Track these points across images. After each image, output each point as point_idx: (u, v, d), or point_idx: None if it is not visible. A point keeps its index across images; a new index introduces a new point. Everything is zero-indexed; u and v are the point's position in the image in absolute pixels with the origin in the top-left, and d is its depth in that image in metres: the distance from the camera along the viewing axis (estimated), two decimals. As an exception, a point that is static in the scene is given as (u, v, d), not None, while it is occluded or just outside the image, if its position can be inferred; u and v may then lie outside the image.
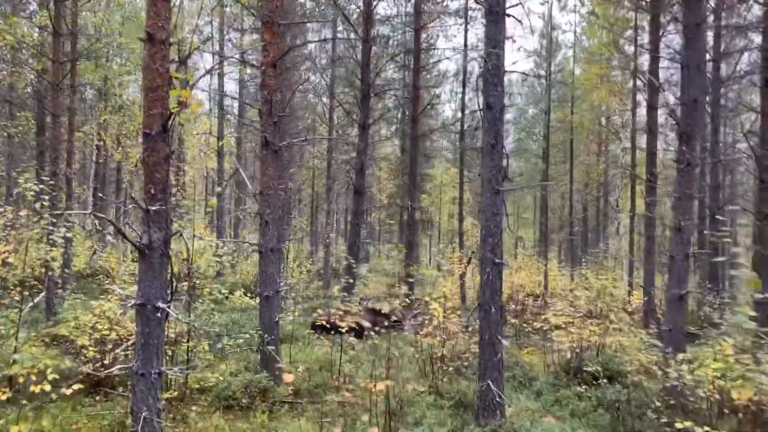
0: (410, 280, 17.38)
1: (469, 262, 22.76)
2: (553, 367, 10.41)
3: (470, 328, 9.36)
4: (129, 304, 5.00)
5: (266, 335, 8.42)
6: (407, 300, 17.16)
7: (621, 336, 10.41)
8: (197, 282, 7.55)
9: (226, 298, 8.50)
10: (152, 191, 5.09)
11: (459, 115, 26.98)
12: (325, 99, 22.97)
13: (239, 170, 8.90)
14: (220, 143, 19.41)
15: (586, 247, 33.73)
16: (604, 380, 9.01)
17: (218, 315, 12.26)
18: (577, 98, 21.25)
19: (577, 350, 9.78)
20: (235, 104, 25.96)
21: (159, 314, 5.06)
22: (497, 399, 6.74)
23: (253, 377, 7.85)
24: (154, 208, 5.03)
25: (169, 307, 5.15)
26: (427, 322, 8.99)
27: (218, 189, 21.70)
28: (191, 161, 30.39)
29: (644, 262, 12.04)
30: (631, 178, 17.76)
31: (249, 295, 14.42)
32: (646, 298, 11.57)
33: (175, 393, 6.83)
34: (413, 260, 17.51)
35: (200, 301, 7.63)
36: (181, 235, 5.15)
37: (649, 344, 9.13)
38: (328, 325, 12.91)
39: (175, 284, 5.23)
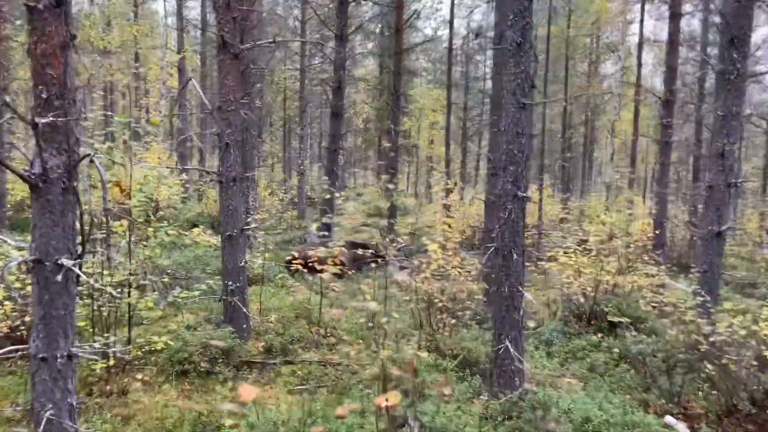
0: (391, 210, 15.98)
1: (449, 193, 21.42)
2: (559, 310, 9.23)
3: (472, 271, 8.06)
4: (15, 262, 3.41)
5: (230, 282, 6.95)
6: (389, 231, 15.82)
7: (637, 275, 9.21)
8: (137, 222, 5.92)
9: (178, 236, 6.94)
10: (44, 95, 3.43)
11: (443, 31, 24.91)
12: (296, 11, 20.63)
13: (191, 81, 7.09)
14: (181, 56, 17.21)
15: (575, 174, 32.55)
16: (627, 328, 7.86)
17: (177, 254, 10.75)
18: (574, 10, 19.35)
19: (590, 292, 8.55)
20: (197, 13, 23.34)
21: (62, 275, 3.52)
22: (517, 364, 5.45)
23: (214, 334, 6.44)
24: (45, 120, 3.39)
25: (79, 265, 3.61)
26: (423, 264, 7.60)
27: (163, 102, 19.46)
28: (152, 81, 27.91)
29: (656, 191, 10.78)
30: (636, 96, 16.24)
31: (214, 231, 12.89)
32: (656, 232, 10.37)
33: (112, 361, 5.39)
34: (396, 190, 16.04)
35: (142, 245, 6.08)
36: (92, 160, 3.53)
37: (675, 288, 7.93)
38: (303, 265, 11.53)
39: (88, 231, 3.66)
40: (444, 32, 24.19)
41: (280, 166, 29.34)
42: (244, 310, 7.01)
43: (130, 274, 5.74)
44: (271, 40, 7.41)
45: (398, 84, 15.33)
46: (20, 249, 4.65)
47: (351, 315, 8.88)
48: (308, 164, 26.52)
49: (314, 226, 13.41)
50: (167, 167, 7.53)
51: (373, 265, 12.92)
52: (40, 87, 3.46)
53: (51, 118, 3.41)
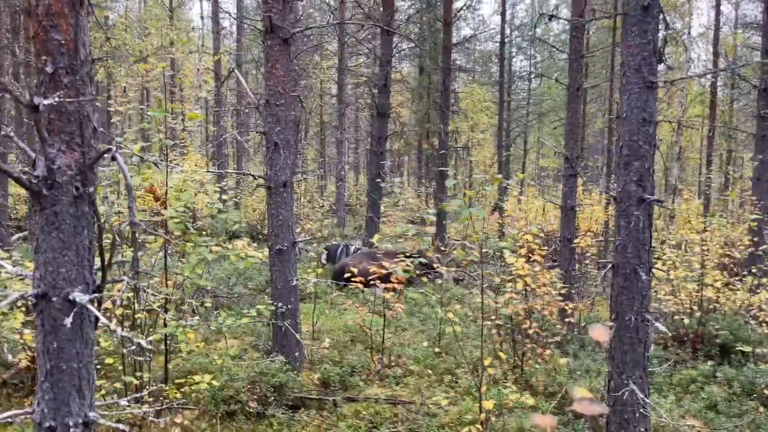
0: (440, 218, 14.89)
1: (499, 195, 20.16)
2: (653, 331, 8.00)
3: (558, 286, 6.92)
4: (11, 297, 2.44)
5: (280, 304, 5.98)
6: (439, 241, 14.75)
7: (741, 290, 7.94)
8: (173, 237, 4.98)
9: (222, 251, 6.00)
10: (48, 68, 2.50)
11: (485, 26, 23.78)
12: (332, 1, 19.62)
13: (235, 71, 6.17)
14: (216, 58, 16.45)
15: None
16: (744, 355, 6.64)
17: (217, 268, 9.87)
18: None
19: (695, 310, 7.31)
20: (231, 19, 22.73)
21: (75, 314, 2.57)
22: (642, 410, 4.34)
23: (264, 366, 5.45)
24: (49, 102, 2.44)
25: (98, 300, 2.66)
26: (509, 283, 6.49)
27: (204, 92, 18.52)
28: (188, 88, 27.41)
29: (755, 192, 9.47)
30: (713, 82, 14.74)
31: (256, 242, 12.00)
32: (754, 239, 9.07)
33: (146, 407, 4.46)
34: (444, 194, 14.95)
35: (180, 262, 5.16)
36: (113, 157, 2.57)
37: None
38: (353, 276, 10.55)
39: (110, 255, 2.70)
40: (491, 24, 23.05)
41: (319, 172, 28.51)
42: (297, 336, 6.02)
43: (166, 299, 4.80)
44: (324, 23, 6.41)
45: (447, 81, 14.27)
46: (22, 278, 3.73)
47: (413, 336, 7.84)
48: (347, 169, 25.62)
49: (357, 242, 12.48)
50: (209, 171, 6.63)
51: (425, 279, 11.90)
52: (43, 58, 2.52)
53: (58, 99, 2.47)
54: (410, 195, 23.76)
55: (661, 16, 4.23)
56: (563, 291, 7.14)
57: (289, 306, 6.03)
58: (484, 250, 13.54)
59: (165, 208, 5.11)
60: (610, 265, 4.44)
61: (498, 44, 21.23)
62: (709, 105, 15.99)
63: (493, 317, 6.48)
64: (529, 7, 27.94)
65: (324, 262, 13.12)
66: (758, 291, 8.10)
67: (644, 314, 4.29)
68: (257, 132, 6.14)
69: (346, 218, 21.26)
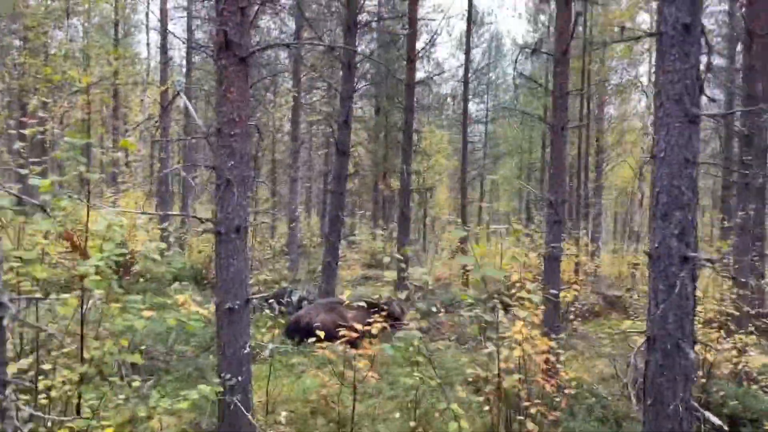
0: (402, 263, 14.01)
1: (463, 242, 19.48)
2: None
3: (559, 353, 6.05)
4: None
5: (228, 376, 4.88)
6: (402, 288, 13.82)
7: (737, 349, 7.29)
8: (94, 291, 3.89)
9: (160, 308, 4.96)
10: None
11: (453, 64, 23.58)
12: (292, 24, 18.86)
13: (181, 95, 5.18)
14: (164, 89, 15.33)
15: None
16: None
17: (155, 320, 8.62)
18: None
19: (699, 377, 6.58)
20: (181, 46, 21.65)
21: None
22: None
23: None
24: None
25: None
26: (505, 349, 5.57)
27: (141, 116, 17.18)
28: (132, 122, 25.99)
29: (739, 244, 8.99)
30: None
31: (201, 289, 10.86)
32: (745, 292, 8.53)
33: None
34: (406, 237, 14.11)
35: (106, 319, 4.08)
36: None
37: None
38: (311, 331, 9.46)
39: None
40: (446, 66, 22.81)
41: (273, 213, 27.33)
42: (248, 416, 4.91)
43: (81, 379, 3.68)
44: (289, 43, 5.55)
45: (410, 119, 13.61)
46: None
47: (382, 404, 6.81)
48: (301, 209, 24.57)
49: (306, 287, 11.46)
50: (144, 212, 5.54)
51: (388, 329, 10.91)
52: None
53: None
54: (369, 240, 22.87)
55: (703, 39, 3.54)
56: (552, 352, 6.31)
57: (240, 378, 4.94)
58: (453, 300, 12.42)
59: (84, 258, 4.03)
60: (646, 338, 3.61)
61: (459, 83, 20.94)
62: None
63: (483, 384, 5.55)
64: (486, 50, 28.05)
65: (275, 309, 11.97)
66: (747, 352, 7.51)
67: (689, 401, 3.46)
68: (206, 167, 5.10)
69: (298, 261, 20.11)
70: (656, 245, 3.55)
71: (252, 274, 13.46)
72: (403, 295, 13.49)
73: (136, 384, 4.31)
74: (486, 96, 29.36)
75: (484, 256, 14.42)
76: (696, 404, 3.44)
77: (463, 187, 16.63)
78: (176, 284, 12.83)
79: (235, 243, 4.94)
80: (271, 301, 12.11)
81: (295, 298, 11.98)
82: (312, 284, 16.51)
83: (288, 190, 25.10)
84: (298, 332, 9.47)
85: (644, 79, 21.33)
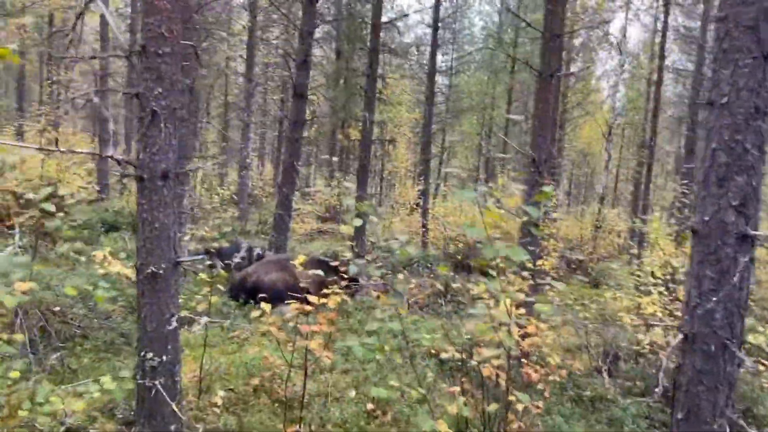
0: (360, 218, 13.13)
1: (419, 197, 18.67)
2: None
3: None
4: None
5: (150, 354, 3.96)
6: (360, 246, 13.01)
7: None
8: None
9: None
10: None
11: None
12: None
13: (98, 1, 4.02)
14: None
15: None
16: None
17: (78, 275, 7.56)
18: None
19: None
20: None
21: None
22: None
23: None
24: None
25: None
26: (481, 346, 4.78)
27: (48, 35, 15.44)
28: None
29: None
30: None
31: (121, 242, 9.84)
32: None
33: None
34: (365, 191, 13.20)
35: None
36: None
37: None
38: (259, 291, 8.54)
39: None
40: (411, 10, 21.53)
41: (221, 158, 25.87)
42: (173, 405, 4.01)
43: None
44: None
45: (375, 64, 12.50)
46: None
47: (336, 381, 6.02)
48: (252, 156, 23.24)
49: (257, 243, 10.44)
50: (42, 148, 4.42)
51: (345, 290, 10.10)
52: None
53: None
54: (321, 188, 21.84)
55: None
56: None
57: (165, 358, 4.01)
58: (411, 260, 11.67)
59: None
60: (682, 334, 2.86)
61: (424, 32, 19.79)
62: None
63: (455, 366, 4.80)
64: (454, -1, 26.67)
65: (216, 268, 10.93)
66: None
67: (731, 416, 2.75)
68: (125, 93, 4.01)
69: (249, 212, 19.00)
70: (706, 218, 2.76)
71: (193, 226, 12.37)
72: (361, 260, 12.69)
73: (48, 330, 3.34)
74: (452, 46, 28.18)
75: (447, 216, 13.70)
76: (742, 422, 2.75)
77: (428, 141, 15.72)
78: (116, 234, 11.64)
79: (161, 192, 3.93)
80: (206, 256, 11.03)
81: (255, 252, 10.87)
82: (261, 237, 15.51)
83: (240, 136, 23.74)
84: (245, 292, 8.57)
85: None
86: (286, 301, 9.17)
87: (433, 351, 6.97)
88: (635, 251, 11.44)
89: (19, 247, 8.49)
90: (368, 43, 12.98)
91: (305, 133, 16.30)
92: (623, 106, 17.23)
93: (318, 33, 27.51)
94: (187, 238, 11.49)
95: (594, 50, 23.39)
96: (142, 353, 3.99)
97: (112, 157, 3.84)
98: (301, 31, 11.37)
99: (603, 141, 17.79)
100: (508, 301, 4.19)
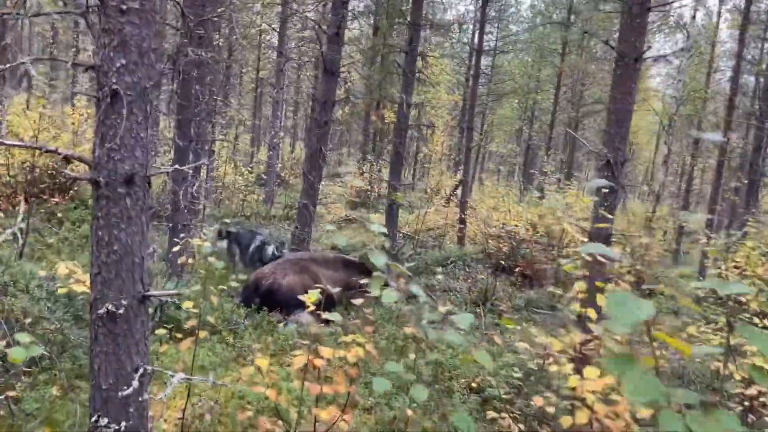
0: (391, 210, 11.99)
1: (457, 186, 17.44)
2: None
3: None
4: None
5: (104, 420, 2.93)
6: (390, 240, 11.89)
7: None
8: None
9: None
10: None
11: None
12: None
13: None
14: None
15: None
16: None
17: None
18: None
19: None
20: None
21: None
22: None
23: None
24: None
25: None
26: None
27: None
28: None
29: None
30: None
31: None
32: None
33: None
34: (398, 179, 12.04)
35: None
36: None
37: None
38: (274, 295, 7.52)
39: None
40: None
41: (248, 138, 25.00)
42: (134, 491, 2.98)
43: None
44: None
45: (416, 40, 11.26)
46: None
47: (357, 423, 4.96)
48: (282, 136, 22.25)
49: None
50: None
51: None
52: None
53: None
54: (353, 172, 20.77)
55: None
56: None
57: (125, 425, 2.98)
58: (447, 259, 10.36)
59: None
60: None
61: (467, 8, 18.37)
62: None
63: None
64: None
65: (232, 253, 9.89)
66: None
67: None
68: (75, 66, 2.90)
69: (275, 194, 18.04)
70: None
71: (213, 209, 11.41)
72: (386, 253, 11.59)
73: None
74: (497, 25, 26.58)
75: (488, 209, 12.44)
76: None
77: (470, 126, 14.43)
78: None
79: (123, 202, 2.86)
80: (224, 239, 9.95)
81: (270, 250, 9.72)
82: (287, 224, 14.53)
83: (270, 113, 22.77)
84: (258, 296, 7.55)
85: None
86: (304, 308, 8.12)
87: (473, 383, 5.88)
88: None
89: (19, 229, 7.64)
90: (408, 17, 11.73)
91: (337, 114, 15.21)
92: (685, 95, 15.66)
93: (357, 6, 26.22)
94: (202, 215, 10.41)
95: (652, 32, 21.65)
96: (94, 418, 2.97)
97: (56, 151, 2.78)
98: (334, 0, 10.19)
99: (660, 134, 16.22)
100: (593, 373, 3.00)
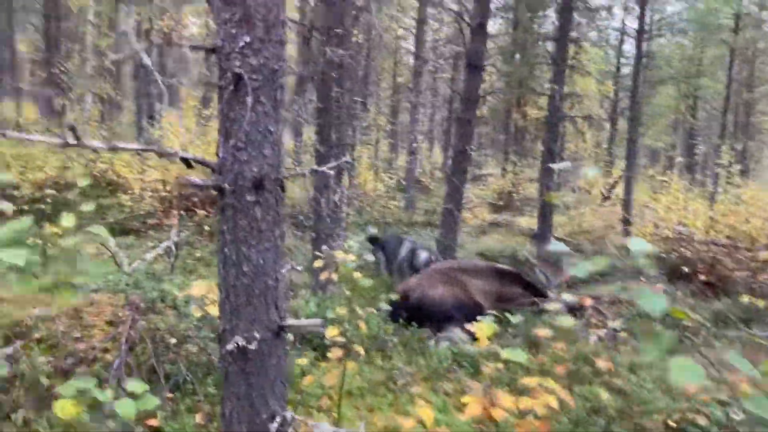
0: (545, 212, 10.93)
1: (614, 185, 15.85)
2: None
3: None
4: None
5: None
6: (545, 245, 10.86)
7: None
8: None
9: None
10: None
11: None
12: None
13: None
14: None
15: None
16: None
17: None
18: None
19: None
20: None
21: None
22: None
23: None
24: None
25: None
26: None
27: None
28: None
29: None
30: None
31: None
32: None
33: None
34: (551, 179, 10.95)
35: None
36: None
37: None
38: (421, 308, 6.90)
39: None
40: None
41: (387, 143, 24.88)
42: None
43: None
44: None
45: (567, 25, 10.14)
46: None
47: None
48: (420, 140, 21.81)
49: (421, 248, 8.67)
50: (67, 143, 3.14)
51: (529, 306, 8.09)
52: None
53: None
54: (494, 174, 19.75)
55: None
56: None
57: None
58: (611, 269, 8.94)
59: None
60: None
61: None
62: None
63: None
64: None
65: (378, 261, 9.39)
66: None
67: None
68: (196, 48, 2.42)
69: (416, 200, 17.57)
70: None
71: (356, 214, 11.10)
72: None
73: None
74: (646, 6, 24.10)
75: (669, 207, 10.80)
76: None
77: (633, 116, 12.90)
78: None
79: (252, 212, 2.33)
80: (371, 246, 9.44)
81: (423, 256, 8.99)
82: (429, 230, 13.95)
83: (408, 118, 22.46)
84: (406, 310, 6.94)
85: None
86: (456, 323, 7.31)
87: (671, 421, 4.79)
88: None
89: (174, 243, 7.73)
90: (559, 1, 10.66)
91: (478, 112, 14.39)
92: None
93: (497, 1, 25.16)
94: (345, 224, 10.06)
95: None
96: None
97: (176, 154, 2.32)
98: (478, -11, 9.43)
99: None
100: None
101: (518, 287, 7.87)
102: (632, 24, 25.08)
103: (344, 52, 6.96)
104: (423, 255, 8.81)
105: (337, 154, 8.19)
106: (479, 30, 9.38)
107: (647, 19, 24.53)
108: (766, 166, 33.06)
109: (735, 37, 18.98)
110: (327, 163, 7.44)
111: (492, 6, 23.37)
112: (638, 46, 12.88)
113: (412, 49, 21.24)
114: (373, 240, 9.38)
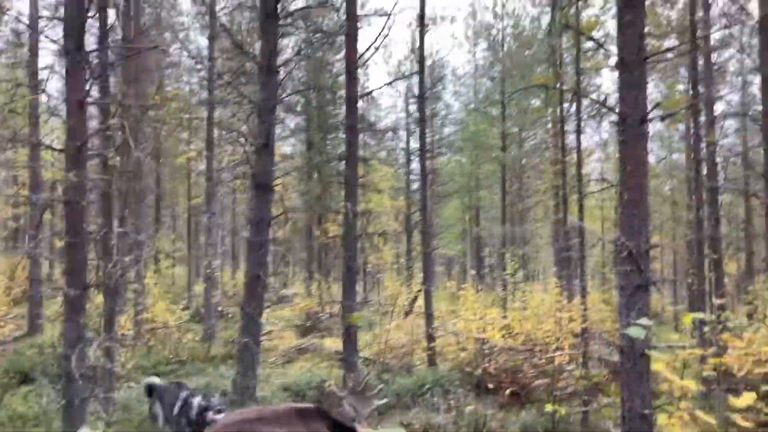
0: (348, 334, 10.35)
1: (415, 298, 16.11)
2: None
3: None
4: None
5: None
6: (350, 369, 10.15)
7: None
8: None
9: None
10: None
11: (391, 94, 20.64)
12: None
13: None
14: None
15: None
16: None
17: None
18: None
19: None
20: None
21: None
22: None
23: None
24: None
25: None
26: None
27: None
28: None
29: None
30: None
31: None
32: None
33: None
34: (353, 297, 10.49)
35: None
36: None
37: None
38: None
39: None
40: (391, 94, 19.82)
41: (184, 269, 23.13)
42: None
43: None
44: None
45: (354, 143, 10.23)
46: None
47: None
48: (219, 264, 20.48)
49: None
50: None
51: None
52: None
53: None
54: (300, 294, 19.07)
55: None
56: None
57: None
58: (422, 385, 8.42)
59: None
60: None
61: (398, 115, 17.95)
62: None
63: None
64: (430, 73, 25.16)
65: (155, 416, 7.83)
66: None
67: None
68: None
69: (216, 330, 16.05)
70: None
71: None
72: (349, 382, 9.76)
73: None
74: (426, 128, 26.43)
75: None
76: None
77: (425, 230, 13.28)
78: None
79: None
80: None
81: (195, 402, 7.72)
82: (229, 364, 12.55)
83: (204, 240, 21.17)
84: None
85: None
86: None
87: None
88: None
89: None
90: (344, 121, 10.79)
91: (274, 234, 13.86)
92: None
93: (290, 124, 25.63)
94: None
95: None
96: None
97: None
98: (260, 109, 9.09)
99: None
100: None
101: (324, 427, 6.99)
102: (416, 144, 27.25)
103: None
104: (195, 401, 7.39)
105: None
106: (264, 149, 8.94)
107: (428, 139, 26.83)
108: (544, 267, 36.92)
109: (504, 154, 21.28)
110: (80, 309, 6.10)
111: (287, 128, 23.79)
112: (422, 164, 13.63)
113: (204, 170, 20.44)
114: (150, 390, 7.87)
